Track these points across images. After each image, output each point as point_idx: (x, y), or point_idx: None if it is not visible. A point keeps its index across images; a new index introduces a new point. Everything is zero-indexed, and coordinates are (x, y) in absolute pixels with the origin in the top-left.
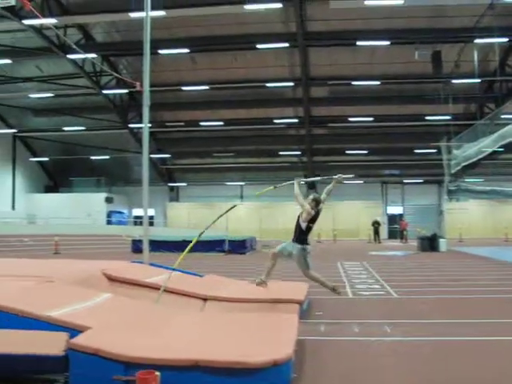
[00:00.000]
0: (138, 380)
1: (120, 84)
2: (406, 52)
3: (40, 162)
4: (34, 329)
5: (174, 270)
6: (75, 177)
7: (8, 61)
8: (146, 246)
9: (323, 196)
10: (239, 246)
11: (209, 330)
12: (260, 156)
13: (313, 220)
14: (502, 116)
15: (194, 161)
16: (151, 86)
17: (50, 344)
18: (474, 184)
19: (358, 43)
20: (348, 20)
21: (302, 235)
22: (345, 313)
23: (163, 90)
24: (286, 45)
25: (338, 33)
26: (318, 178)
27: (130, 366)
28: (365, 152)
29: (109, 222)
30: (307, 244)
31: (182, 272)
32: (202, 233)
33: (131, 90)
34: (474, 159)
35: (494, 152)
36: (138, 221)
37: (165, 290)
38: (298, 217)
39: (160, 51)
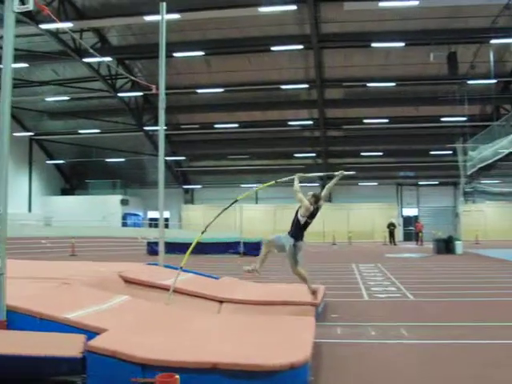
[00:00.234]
0: (157, 383)
1: (135, 87)
2: (421, 53)
3: (56, 165)
4: (51, 331)
5: (181, 269)
6: (91, 179)
7: (25, 65)
8: (161, 248)
9: (324, 193)
10: (254, 248)
11: (225, 333)
12: (275, 158)
13: (312, 216)
14: None
15: (208, 163)
16: (166, 88)
17: (68, 346)
18: (490, 185)
19: (373, 45)
20: (362, 22)
21: (298, 230)
22: (361, 315)
23: (178, 93)
24: (301, 47)
25: (353, 34)
26: (321, 174)
27: (148, 368)
28: (380, 154)
29: (124, 224)
30: (301, 240)
31: (198, 274)
32: (204, 231)
33: (146, 92)
34: (490, 161)
35: (511, 153)
36: (153, 223)
37: (181, 292)
38: (297, 211)
39: (175, 54)
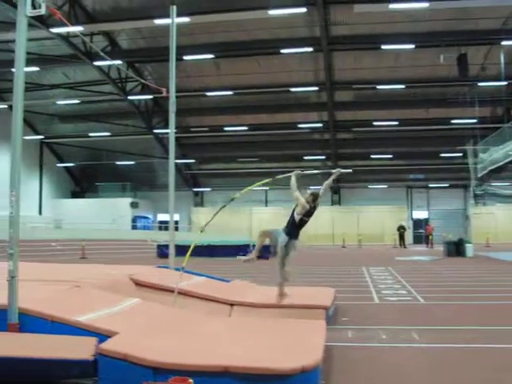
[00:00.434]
0: None
1: (145, 90)
2: (431, 55)
3: (66, 168)
4: (63, 333)
5: (183, 269)
6: (101, 182)
7: (36, 68)
8: (171, 251)
9: (321, 191)
10: (263, 251)
11: (236, 336)
12: (285, 161)
13: (308, 214)
14: None
15: (218, 166)
16: (176, 91)
17: (79, 349)
18: (501, 188)
19: (383, 47)
20: (372, 24)
21: (293, 228)
22: (371, 318)
23: (187, 96)
24: (310, 49)
25: (363, 37)
26: (318, 172)
27: (159, 371)
28: (390, 156)
29: (134, 227)
30: (296, 238)
31: (209, 277)
32: (202, 230)
33: (156, 95)
34: (501, 163)
35: None
36: (162, 226)
37: (192, 296)
38: (294, 209)
39: (184, 57)
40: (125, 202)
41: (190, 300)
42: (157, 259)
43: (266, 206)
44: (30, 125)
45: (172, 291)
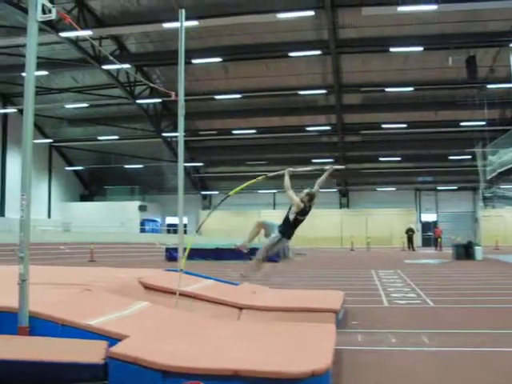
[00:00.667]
0: None
1: (153, 93)
2: (439, 57)
3: (75, 171)
4: (73, 337)
5: (182, 271)
6: (110, 185)
7: (45, 72)
8: (180, 254)
9: (316, 189)
10: (273, 255)
11: (246, 339)
12: (293, 164)
13: (303, 213)
14: None
15: (226, 169)
16: (185, 95)
17: (90, 352)
18: (510, 190)
19: (391, 50)
20: (380, 26)
21: (287, 227)
22: (381, 322)
23: (196, 99)
24: (318, 52)
25: (371, 39)
26: (310, 168)
27: (169, 374)
28: (398, 159)
29: (142, 230)
30: (288, 238)
31: (218, 280)
32: (198, 229)
33: (164, 99)
34: (511, 165)
35: None
36: (171, 229)
37: (201, 299)
38: (289, 208)
39: (193, 61)
40: (133, 205)
41: (198, 303)
42: (165, 262)
43: (274, 208)
44: (39, 128)
45: (181, 294)
